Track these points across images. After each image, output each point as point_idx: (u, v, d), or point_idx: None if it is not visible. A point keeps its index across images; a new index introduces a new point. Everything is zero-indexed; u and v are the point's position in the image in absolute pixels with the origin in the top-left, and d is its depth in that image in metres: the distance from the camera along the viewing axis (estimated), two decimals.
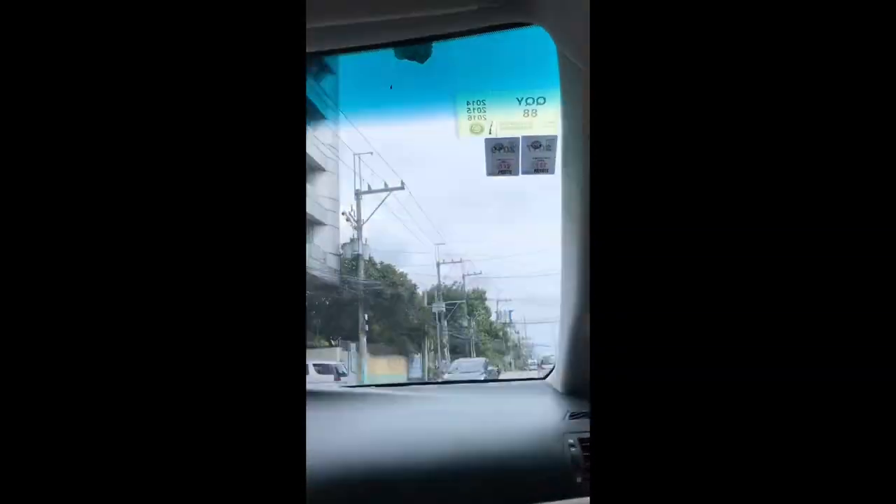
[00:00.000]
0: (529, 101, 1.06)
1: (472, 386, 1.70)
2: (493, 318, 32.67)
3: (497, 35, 0.98)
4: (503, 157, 1.16)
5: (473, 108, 1.11)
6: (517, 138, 1.13)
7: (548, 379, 1.45)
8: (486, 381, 1.68)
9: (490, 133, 1.13)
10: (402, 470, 1.01)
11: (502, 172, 1.18)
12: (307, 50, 1.00)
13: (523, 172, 1.16)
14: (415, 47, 1.04)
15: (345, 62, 1.17)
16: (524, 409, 1.30)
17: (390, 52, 1.05)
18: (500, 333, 33.67)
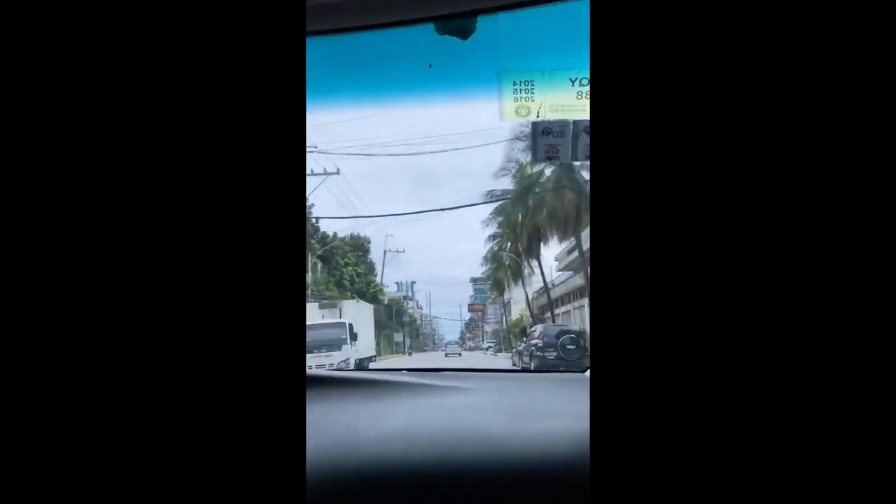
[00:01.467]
0: (584, 81, 0.96)
1: (507, 376, 1.65)
2: (380, 281, 22.60)
3: (549, 9, 0.88)
4: (552, 142, 1.07)
5: (520, 89, 1.01)
6: (568, 122, 1.03)
7: (587, 373, 1.38)
8: (522, 370, 1.60)
9: (538, 116, 1.04)
10: (430, 469, 0.95)
11: (549, 158, 1.09)
12: (348, 24, 0.92)
13: (573, 159, 1.07)
14: (457, 21, 0.95)
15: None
16: (562, 408, 1.22)
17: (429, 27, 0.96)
18: (387, 301, 24.11)
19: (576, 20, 0.92)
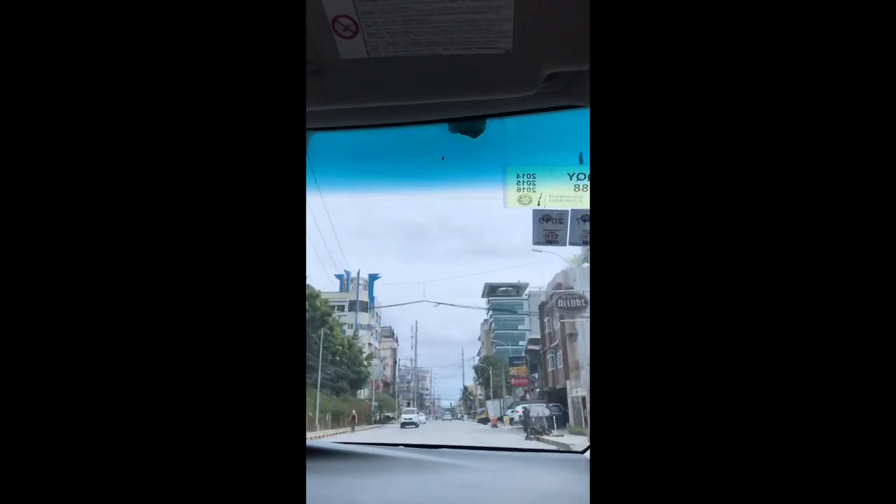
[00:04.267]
0: (581, 176, 1.09)
1: (505, 455, 1.63)
2: None
3: (550, 116, 1.01)
4: (551, 227, 1.17)
5: (523, 181, 1.13)
6: (566, 211, 1.14)
7: (587, 454, 1.40)
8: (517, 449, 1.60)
9: (538, 205, 1.15)
10: None
11: (549, 242, 1.20)
12: (376, 122, 1.04)
13: (571, 243, 1.17)
14: (469, 123, 1.08)
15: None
16: (559, 489, 1.24)
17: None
18: None
19: (576, 124, 1.05)
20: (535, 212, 1.17)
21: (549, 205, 1.15)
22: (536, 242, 1.21)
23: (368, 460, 1.28)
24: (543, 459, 1.50)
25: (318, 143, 1.16)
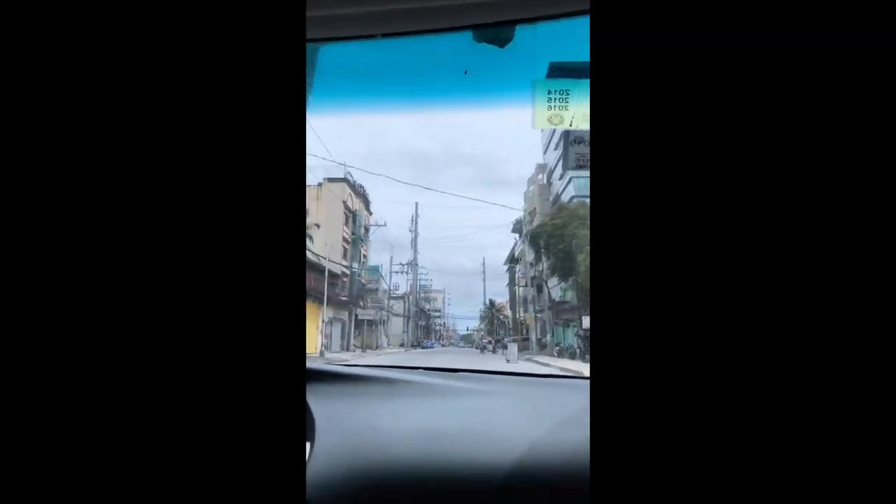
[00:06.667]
0: None
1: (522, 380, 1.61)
2: None
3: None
4: (583, 150, 1.07)
5: (555, 98, 1.02)
6: None
7: None
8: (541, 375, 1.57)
9: (570, 125, 1.04)
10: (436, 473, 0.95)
11: (580, 167, 1.10)
12: (391, 30, 0.92)
13: None
14: (496, 30, 0.95)
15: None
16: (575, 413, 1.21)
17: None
18: None
19: None
20: (566, 133, 1.07)
21: (583, 125, 1.04)
22: (568, 167, 1.12)
23: (387, 385, 1.28)
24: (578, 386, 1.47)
25: (326, 57, 1.04)
